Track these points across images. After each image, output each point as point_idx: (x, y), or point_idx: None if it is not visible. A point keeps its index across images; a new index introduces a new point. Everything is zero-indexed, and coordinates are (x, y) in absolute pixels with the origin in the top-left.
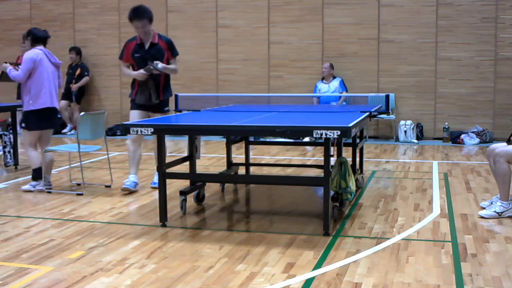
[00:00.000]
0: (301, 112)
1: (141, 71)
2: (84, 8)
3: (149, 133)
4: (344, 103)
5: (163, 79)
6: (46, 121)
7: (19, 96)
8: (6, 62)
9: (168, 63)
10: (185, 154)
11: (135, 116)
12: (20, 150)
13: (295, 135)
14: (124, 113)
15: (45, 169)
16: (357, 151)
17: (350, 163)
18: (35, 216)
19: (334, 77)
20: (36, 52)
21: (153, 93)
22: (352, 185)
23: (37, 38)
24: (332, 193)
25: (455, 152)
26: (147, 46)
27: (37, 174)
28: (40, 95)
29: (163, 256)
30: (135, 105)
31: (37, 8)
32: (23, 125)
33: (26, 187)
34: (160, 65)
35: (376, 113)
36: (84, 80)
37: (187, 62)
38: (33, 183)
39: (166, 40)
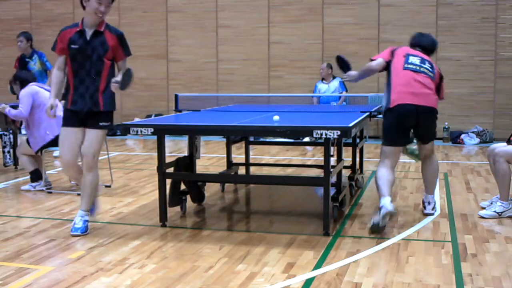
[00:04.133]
0: (301, 112)
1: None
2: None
3: (149, 133)
4: (344, 103)
5: (104, 82)
6: (51, 143)
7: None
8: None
9: (113, 64)
10: (185, 154)
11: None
12: None
13: (295, 135)
14: (124, 113)
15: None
16: (357, 151)
17: (350, 163)
18: (35, 216)
19: (334, 77)
20: (31, 87)
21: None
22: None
23: (24, 80)
24: (332, 193)
25: (455, 152)
26: (89, 35)
27: (35, 176)
28: (46, 127)
29: (163, 256)
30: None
31: (37, 8)
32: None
33: (26, 187)
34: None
35: (376, 113)
36: None
37: (187, 62)
38: (33, 184)
39: (117, 34)
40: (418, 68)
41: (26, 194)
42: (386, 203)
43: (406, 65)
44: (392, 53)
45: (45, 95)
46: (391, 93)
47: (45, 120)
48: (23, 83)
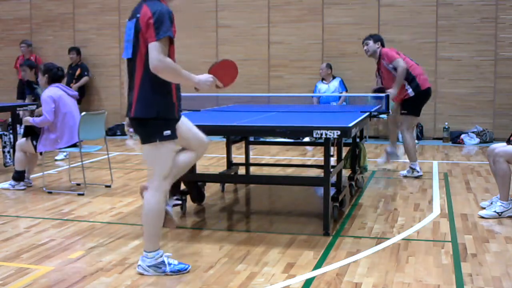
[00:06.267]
0: (301, 112)
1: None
2: (84, 8)
3: None
4: (344, 103)
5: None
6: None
7: (19, 96)
8: (25, 115)
9: None
10: None
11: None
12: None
13: (295, 135)
14: (124, 113)
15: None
16: (357, 151)
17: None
18: (35, 216)
19: (334, 77)
20: (55, 91)
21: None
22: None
23: (55, 78)
24: (332, 193)
25: (455, 152)
26: None
27: (18, 176)
28: (60, 135)
29: None
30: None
31: (37, 8)
32: (34, 143)
33: (5, 185)
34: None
35: (376, 113)
36: (84, 80)
37: (187, 62)
38: (13, 183)
39: None
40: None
41: (26, 194)
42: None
43: (414, 61)
44: (398, 53)
45: (66, 101)
46: (417, 80)
47: (60, 128)
48: (51, 80)
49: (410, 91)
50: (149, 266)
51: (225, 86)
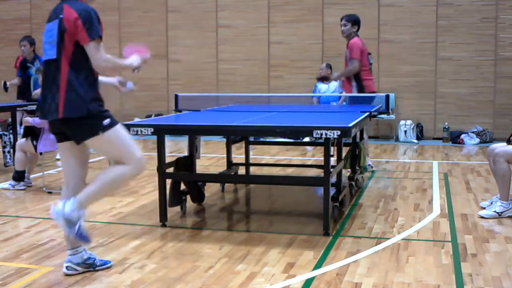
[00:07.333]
0: (301, 112)
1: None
2: None
3: (149, 133)
4: (344, 103)
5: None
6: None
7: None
8: (25, 116)
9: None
10: (185, 154)
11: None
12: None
13: (295, 135)
14: (124, 113)
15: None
16: (357, 151)
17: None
18: (35, 216)
19: None
20: None
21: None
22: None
23: None
24: (332, 193)
25: (455, 152)
26: None
27: (18, 176)
28: None
29: (163, 256)
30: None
31: (37, 8)
32: (34, 143)
33: (5, 185)
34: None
35: (376, 113)
36: None
37: (187, 62)
38: (13, 183)
39: None
40: None
41: (26, 194)
42: None
43: (371, 65)
44: (362, 51)
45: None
46: (363, 83)
47: None
48: None
49: (354, 90)
50: (78, 264)
51: (147, 54)
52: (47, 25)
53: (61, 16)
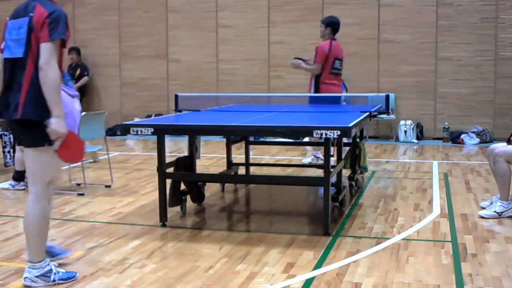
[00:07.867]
0: (301, 112)
1: None
2: (84, 8)
3: (149, 133)
4: (344, 103)
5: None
6: None
7: None
8: None
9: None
10: (185, 154)
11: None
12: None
13: (295, 135)
14: (124, 113)
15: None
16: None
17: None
18: None
19: None
20: None
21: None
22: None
23: None
24: (332, 192)
25: (455, 152)
26: None
27: (18, 176)
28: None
29: (163, 256)
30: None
31: None
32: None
33: (5, 185)
34: None
35: (376, 113)
36: (84, 80)
37: (187, 62)
38: (13, 183)
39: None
40: None
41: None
42: None
43: (341, 70)
44: (327, 55)
45: (67, 102)
46: (320, 86)
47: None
48: None
49: (312, 89)
50: (37, 277)
51: (61, 157)
52: (12, 21)
53: (31, 14)
